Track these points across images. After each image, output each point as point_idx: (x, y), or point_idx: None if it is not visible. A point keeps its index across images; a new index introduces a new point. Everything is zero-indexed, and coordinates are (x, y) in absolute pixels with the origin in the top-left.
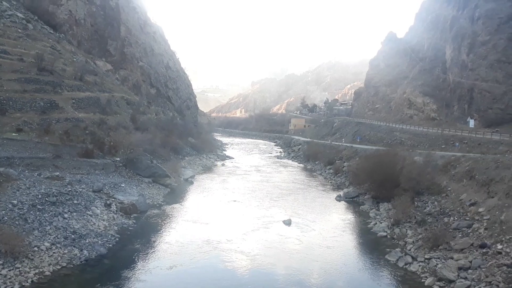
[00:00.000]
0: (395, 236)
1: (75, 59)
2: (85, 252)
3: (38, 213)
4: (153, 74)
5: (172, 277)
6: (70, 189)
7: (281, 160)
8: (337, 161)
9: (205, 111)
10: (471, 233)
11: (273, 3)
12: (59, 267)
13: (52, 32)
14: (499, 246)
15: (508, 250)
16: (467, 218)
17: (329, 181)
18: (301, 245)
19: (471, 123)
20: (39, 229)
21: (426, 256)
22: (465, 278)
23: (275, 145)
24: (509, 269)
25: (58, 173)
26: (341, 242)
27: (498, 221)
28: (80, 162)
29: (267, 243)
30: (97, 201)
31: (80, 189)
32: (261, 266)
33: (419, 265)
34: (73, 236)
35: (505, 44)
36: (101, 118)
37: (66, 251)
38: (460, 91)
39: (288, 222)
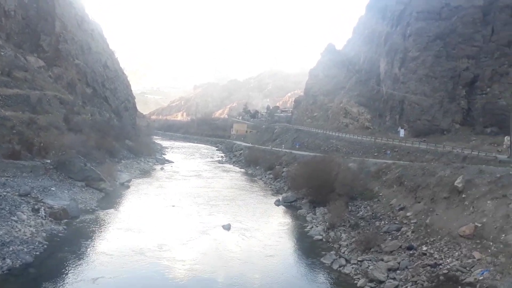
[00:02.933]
0: (330, 240)
1: (2, 53)
2: (8, 260)
3: None
4: (90, 73)
5: (104, 285)
6: None
7: (223, 164)
8: (277, 166)
9: (144, 113)
10: (400, 236)
11: (218, 8)
12: None
13: None
14: (424, 248)
15: (432, 251)
16: (397, 222)
17: (269, 186)
18: (240, 251)
19: (402, 132)
20: None
21: (359, 259)
22: (394, 279)
23: (216, 150)
24: (433, 269)
25: None
26: (279, 246)
27: (423, 225)
28: (5, 164)
29: (206, 250)
30: (23, 205)
31: (4, 193)
32: (198, 274)
33: (352, 267)
34: None
35: (432, 61)
36: (31, 117)
37: None
38: (392, 102)
39: (227, 227)
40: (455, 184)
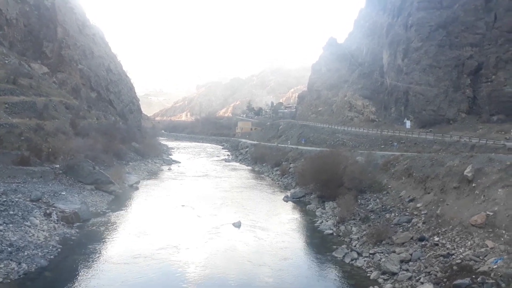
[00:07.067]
0: (340, 233)
1: (6, 61)
2: (24, 265)
3: None
4: (93, 77)
5: None
6: (5, 199)
7: (229, 163)
8: (283, 163)
9: (149, 115)
10: (410, 228)
11: (215, 8)
12: None
13: None
14: (436, 239)
15: (444, 241)
16: (407, 214)
17: (277, 182)
18: (251, 249)
19: (408, 124)
20: None
21: (370, 251)
22: (407, 270)
23: (222, 148)
24: (445, 259)
25: None
26: (290, 242)
27: (434, 215)
28: (15, 170)
29: (218, 250)
30: (35, 210)
31: (16, 199)
32: (211, 276)
33: (364, 260)
34: (9, 249)
35: (435, 50)
36: (38, 124)
37: (2, 266)
38: (396, 94)
39: (238, 224)
40: (465, 173)
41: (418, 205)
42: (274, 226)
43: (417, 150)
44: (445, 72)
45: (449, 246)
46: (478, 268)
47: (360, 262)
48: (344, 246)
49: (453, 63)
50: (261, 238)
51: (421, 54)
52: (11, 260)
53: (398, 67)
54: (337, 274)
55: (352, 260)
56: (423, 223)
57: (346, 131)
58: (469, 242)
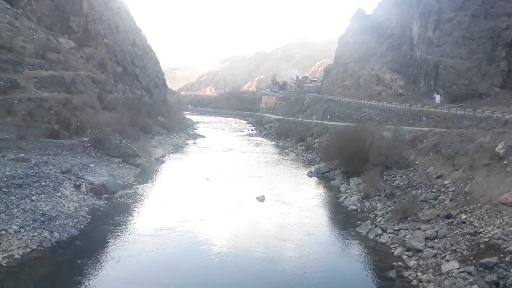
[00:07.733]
0: (365, 209)
1: (35, 36)
2: (56, 234)
3: (3, 196)
4: (119, 52)
5: (145, 259)
6: (36, 171)
7: (253, 137)
8: (308, 138)
9: (173, 89)
10: (437, 205)
11: None
12: (29, 250)
13: (8, 7)
14: (463, 216)
15: (471, 219)
16: (434, 190)
17: (301, 158)
18: (275, 223)
19: (437, 98)
20: (6, 212)
21: (395, 228)
22: (432, 247)
23: (246, 123)
24: (473, 237)
25: (23, 154)
26: (313, 217)
27: (462, 193)
28: (46, 143)
29: (242, 224)
30: (66, 182)
31: (48, 171)
32: (235, 248)
33: (389, 237)
34: (42, 218)
35: (469, 21)
36: (66, 98)
37: (35, 234)
38: (426, 67)
39: (261, 199)
40: (496, 150)
41: (446, 182)
42: (298, 201)
43: (446, 125)
44: (479, 44)
45: (477, 224)
46: (507, 247)
47: (384, 238)
48: (368, 222)
49: (487, 34)
50: (284, 213)
51: (453, 25)
52: (44, 229)
53: (428, 39)
54: (360, 250)
55: (376, 236)
56: (451, 200)
57: (373, 105)
58: (498, 221)
